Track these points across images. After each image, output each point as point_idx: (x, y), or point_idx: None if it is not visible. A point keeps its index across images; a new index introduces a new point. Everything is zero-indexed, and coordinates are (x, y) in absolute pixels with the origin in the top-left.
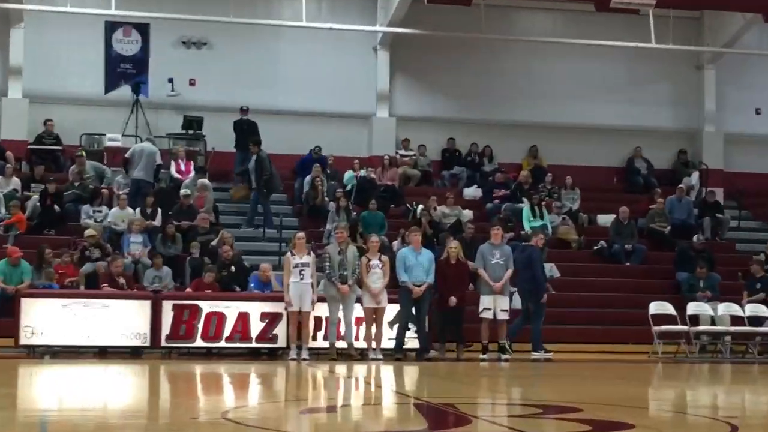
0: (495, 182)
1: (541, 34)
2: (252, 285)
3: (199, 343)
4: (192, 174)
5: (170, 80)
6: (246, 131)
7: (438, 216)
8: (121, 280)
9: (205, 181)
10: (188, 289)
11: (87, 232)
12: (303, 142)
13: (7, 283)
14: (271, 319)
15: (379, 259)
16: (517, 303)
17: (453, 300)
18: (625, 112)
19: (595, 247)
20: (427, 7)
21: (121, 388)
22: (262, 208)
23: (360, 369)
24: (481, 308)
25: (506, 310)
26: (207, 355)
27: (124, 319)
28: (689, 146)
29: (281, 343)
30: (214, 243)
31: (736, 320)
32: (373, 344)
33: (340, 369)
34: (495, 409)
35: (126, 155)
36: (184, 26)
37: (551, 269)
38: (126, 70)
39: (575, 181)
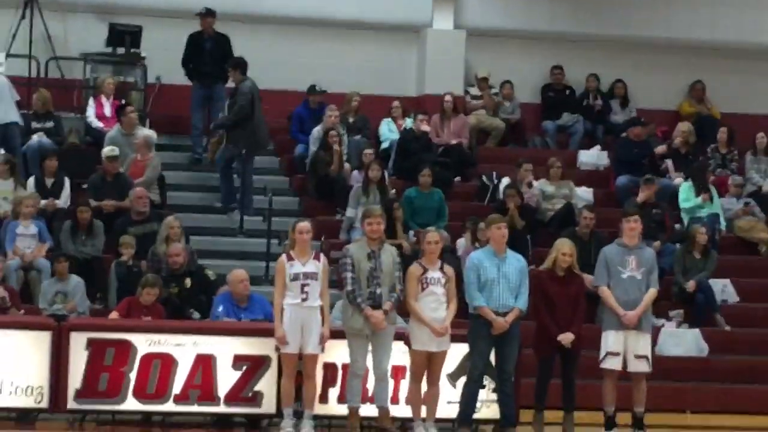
0: (632, 141)
1: None
2: (220, 309)
3: (131, 404)
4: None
5: None
6: (210, 51)
7: (535, 197)
8: (1, 292)
9: (149, 133)
10: (113, 314)
11: None
12: (305, 73)
13: None
14: (252, 366)
15: (441, 270)
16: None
17: (567, 338)
18: None
19: None
20: None
21: None
22: (239, 179)
23: None
24: (602, 353)
25: (645, 357)
26: (144, 424)
27: (7, 363)
28: None
29: (268, 407)
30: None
31: None
32: (424, 411)
33: None
34: None
35: None
36: None
37: (724, 289)
38: None
39: None
